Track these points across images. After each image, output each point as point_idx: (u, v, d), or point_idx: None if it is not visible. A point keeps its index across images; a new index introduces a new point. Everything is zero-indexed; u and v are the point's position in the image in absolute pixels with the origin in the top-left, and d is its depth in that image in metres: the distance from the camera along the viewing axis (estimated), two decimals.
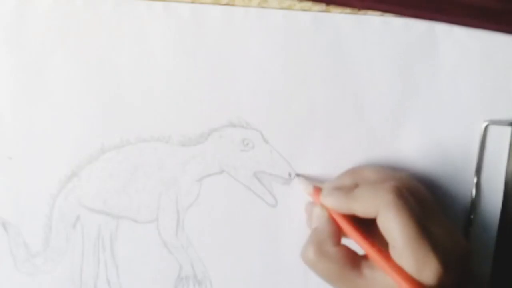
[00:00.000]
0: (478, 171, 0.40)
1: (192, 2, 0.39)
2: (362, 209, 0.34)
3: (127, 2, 0.39)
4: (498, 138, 0.40)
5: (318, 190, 0.38)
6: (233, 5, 0.39)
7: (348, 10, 0.39)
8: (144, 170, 0.40)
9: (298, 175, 0.40)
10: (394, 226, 0.32)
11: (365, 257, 0.35)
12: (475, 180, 0.40)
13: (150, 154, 0.40)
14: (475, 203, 0.40)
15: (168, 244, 0.41)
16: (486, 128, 0.39)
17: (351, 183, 0.37)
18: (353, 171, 0.39)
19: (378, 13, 0.39)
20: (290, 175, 0.40)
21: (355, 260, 0.34)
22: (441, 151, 0.40)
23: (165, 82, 0.39)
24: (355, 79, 0.39)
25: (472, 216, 0.40)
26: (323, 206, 0.37)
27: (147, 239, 0.41)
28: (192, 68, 0.39)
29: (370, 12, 0.39)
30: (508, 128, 0.39)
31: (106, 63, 0.39)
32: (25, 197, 0.40)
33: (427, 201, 0.36)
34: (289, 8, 0.39)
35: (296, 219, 0.40)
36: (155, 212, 0.41)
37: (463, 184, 0.40)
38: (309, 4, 0.39)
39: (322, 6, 0.39)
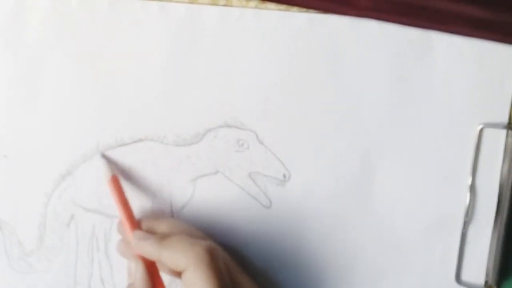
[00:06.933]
0: (473, 173, 0.40)
1: (191, 3, 0.39)
2: (172, 260, 0.33)
3: (122, 2, 0.39)
4: (492, 141, 0.40)
5: (115, 179, 0.37)
6: (230, 6, 0.39)
7: None
8: (139, 170, 0.40)
9: (103, 156, 0.39)
10: (200, 284, 0.31)
11: None
12: (469, 182, 0.40)
13: (144, 154, 0.40)
14: (469, 206, 0.40)
15: None
16: (481, 131, 0.39)
17: (165, 230, 0.36)
18: (169, 220, 0.38)
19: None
20: (284, 176, 0.40)
21: None
22: (436, 153, 0.40)
23: (160, 82, 0.39)
24: (350, 80, 0.39)
25: (466, 219, 0.40)
26: (138, 260, 0.35)
27: None
28: (188, 68, 0.39)
29: None
30: (503, 131, 0.39)
31: (102, 63, 0.39)
32: (20, 195, 0.40)
33: (237, 274, 0.34)
34: (286, 10, 0.39)
35: (291, 220, 0.40)
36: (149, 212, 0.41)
37: (458, 186, 0.40)
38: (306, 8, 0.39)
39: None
